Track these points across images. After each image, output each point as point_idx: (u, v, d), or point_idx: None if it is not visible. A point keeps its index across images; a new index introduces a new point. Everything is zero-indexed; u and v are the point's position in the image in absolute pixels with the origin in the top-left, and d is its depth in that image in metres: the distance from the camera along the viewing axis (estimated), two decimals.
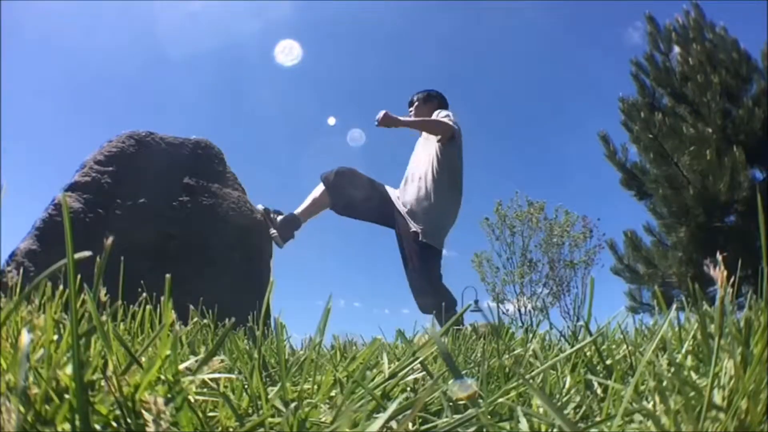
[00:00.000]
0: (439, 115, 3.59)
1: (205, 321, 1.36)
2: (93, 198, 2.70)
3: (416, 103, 3.81)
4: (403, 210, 3.52)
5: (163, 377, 0.52)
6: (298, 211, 3.55)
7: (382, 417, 0.47)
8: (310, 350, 0.84)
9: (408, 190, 3.58)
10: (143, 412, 0.49)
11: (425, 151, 3.61)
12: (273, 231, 3.39)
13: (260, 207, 3.35)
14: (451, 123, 3.51)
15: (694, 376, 0.67)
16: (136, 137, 2.99)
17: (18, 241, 2.59)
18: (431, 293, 3.30)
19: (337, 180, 3.53)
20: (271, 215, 3.43)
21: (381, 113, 3.41)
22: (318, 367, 0.79)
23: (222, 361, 0.73)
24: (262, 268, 3.10)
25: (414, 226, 3.44)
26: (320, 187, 3.58)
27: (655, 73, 7.49)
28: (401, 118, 3.51)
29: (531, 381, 0.67)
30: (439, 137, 3.50)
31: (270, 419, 0.55)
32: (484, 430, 0.52)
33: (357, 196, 3.54)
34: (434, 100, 3.81)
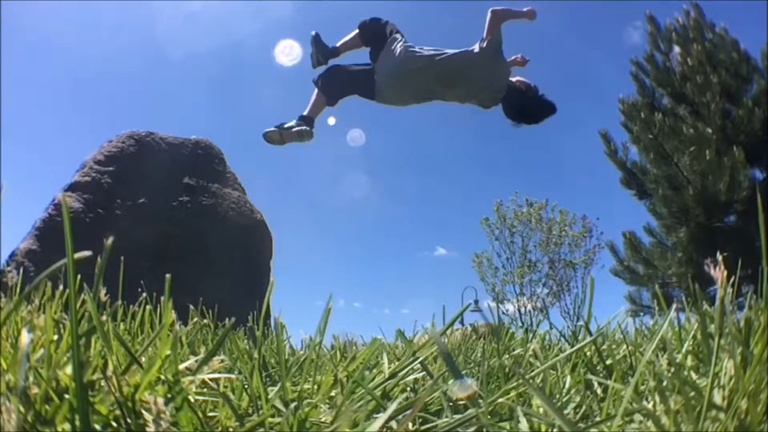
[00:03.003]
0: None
1: (205, 321, 1.36)
2: (93, 198, 2.70)
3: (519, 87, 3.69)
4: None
5: (163, 377, 0.52)
6: (306, 112, 3.51)
7: (382, 417, 0.47)
8: (310, 350, 0.84)
9: None
10: (143, 412, 0.49)
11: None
12: (298, 128, 3.32)
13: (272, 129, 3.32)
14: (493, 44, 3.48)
15: (694, 376, 0.66)
16: (136, 137, 2.99)
17: (18, 241, 2.60)
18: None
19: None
20: (284, 130, 3.38)
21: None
22: (318, 367, 0.79)
23: (222, 361, 0.73)
24: (262, 268, 3.10)
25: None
26: (315, 92, 3.58)
27: (655, 73, 7.49)
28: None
29: (531, 381, 0.67)
30: (488, 37, 3.47)
31: (270, 419, 0.55)
32: (484, 430, 0.52)
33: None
34: (523, 96, 3.61)
